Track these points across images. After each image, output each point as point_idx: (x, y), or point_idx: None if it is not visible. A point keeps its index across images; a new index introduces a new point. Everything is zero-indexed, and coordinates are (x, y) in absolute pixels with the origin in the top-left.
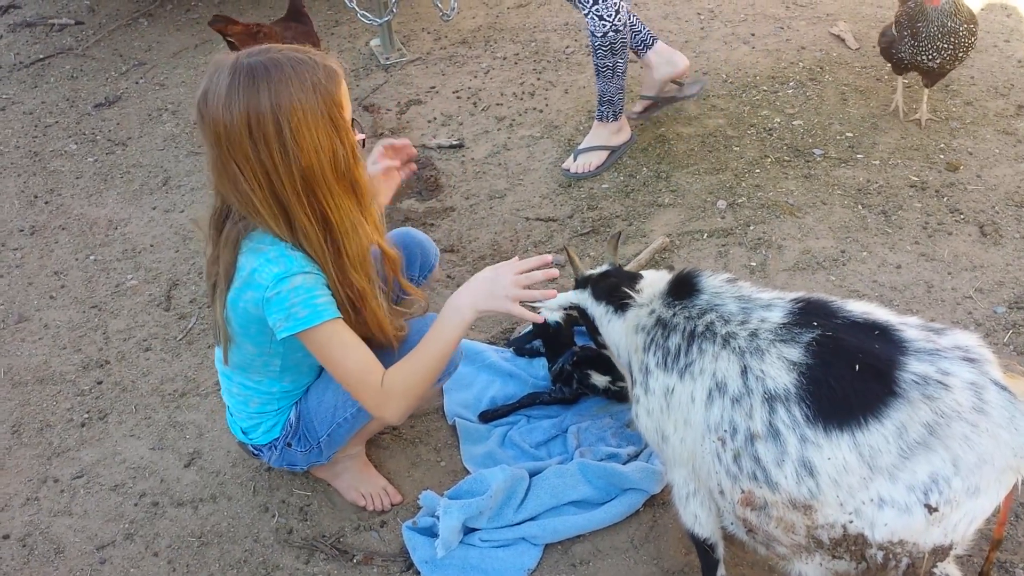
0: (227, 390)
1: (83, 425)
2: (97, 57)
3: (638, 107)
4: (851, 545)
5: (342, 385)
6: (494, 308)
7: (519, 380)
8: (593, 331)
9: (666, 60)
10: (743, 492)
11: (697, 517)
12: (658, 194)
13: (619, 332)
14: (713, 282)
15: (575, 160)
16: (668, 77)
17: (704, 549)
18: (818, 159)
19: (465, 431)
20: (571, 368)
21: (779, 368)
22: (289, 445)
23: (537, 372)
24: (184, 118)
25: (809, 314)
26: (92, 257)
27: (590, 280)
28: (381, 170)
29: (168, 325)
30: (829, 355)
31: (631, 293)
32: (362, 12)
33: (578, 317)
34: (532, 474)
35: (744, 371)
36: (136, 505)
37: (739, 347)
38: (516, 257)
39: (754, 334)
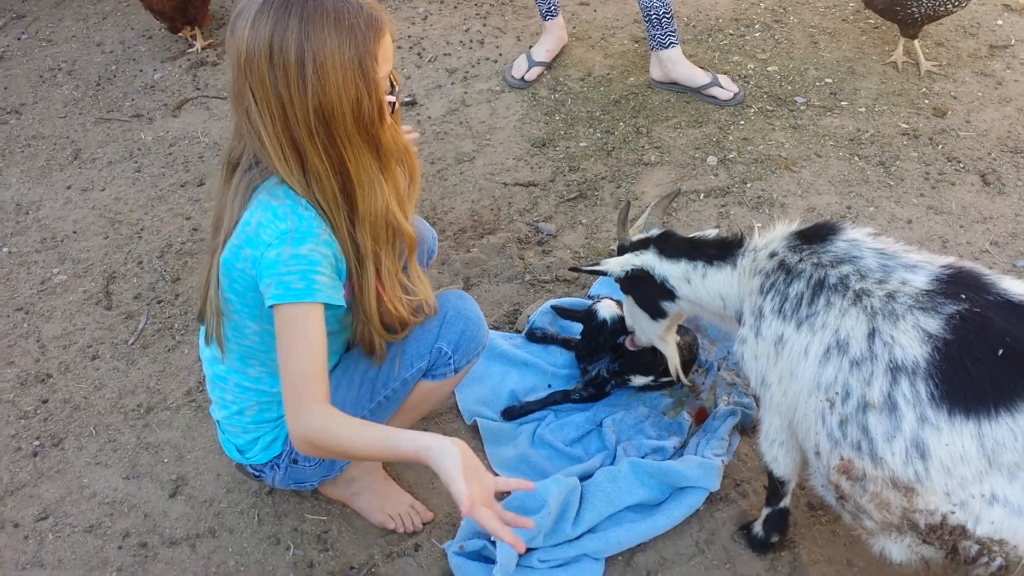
0: (220, 399)
1: (35, 454)
2: None
3: (532, 73)
4: (946, 534)
5: (280, 372)
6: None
7: (536, 369)
8: (656, 296)
9: (563, 31)
10: (842, 459)
11: (777, 459)
12: (641, 151)
13: (722, 283)
14: (853, 233)
15: (723, 87)
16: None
17: (776, 482)
18: (801, 107)
19: (489, 431)
20: (607, 375)
21: (912, 337)
22: (295, 461)
23: (555, 359)
24: (84, 79)
25: (958, 284)
26: (5, 249)
27: (650, 242)
28: None
29: (114, 327)
30: (971, 333)
31: (743, 237)
32: None
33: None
34: (580, 478)
35: (872, 334)
36: (120, 548)
37: (871, 307)
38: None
39: (891, 296)
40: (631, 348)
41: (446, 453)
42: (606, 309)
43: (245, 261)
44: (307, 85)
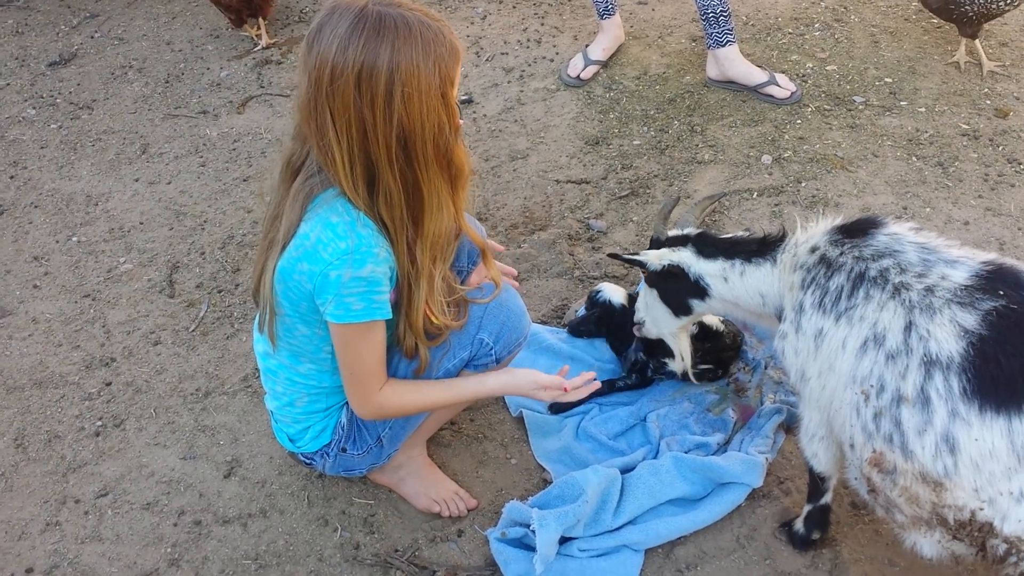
0: (271, 390)
1: (97, 434)
2: (42, 9)
3: (588, 72)
4: (975, 531)
5: (341, 372)
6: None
7: (582, 363)
8: (686, 293)
9: (620, 30)
10: (874, 452)
11: (817, 455)
12: (695, 150)
13: (762, 280)
14: (895, 227)
15: (780, 85)
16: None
17: (816, 478)
18: (860, 107)
19: (534, 423)
20: (645, 357)
21: (948, 332)
22: (344, 450)
23: (601, 354)
24: (153, 76)
25: (997, 281)
26: (75, 238)
27: (688, 240)
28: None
29: (176, 314)
30: (1007, 330)
31: (784, 233)
32: None
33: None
34: (622, 471)
35: (908, 327)
36: (176, 525)
37: (909, 300)
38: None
39: (930, 290)
40: (636, 335)
41: (517, 379)
42: (617, 295)
43: (302, 275)
44: (393, 112)
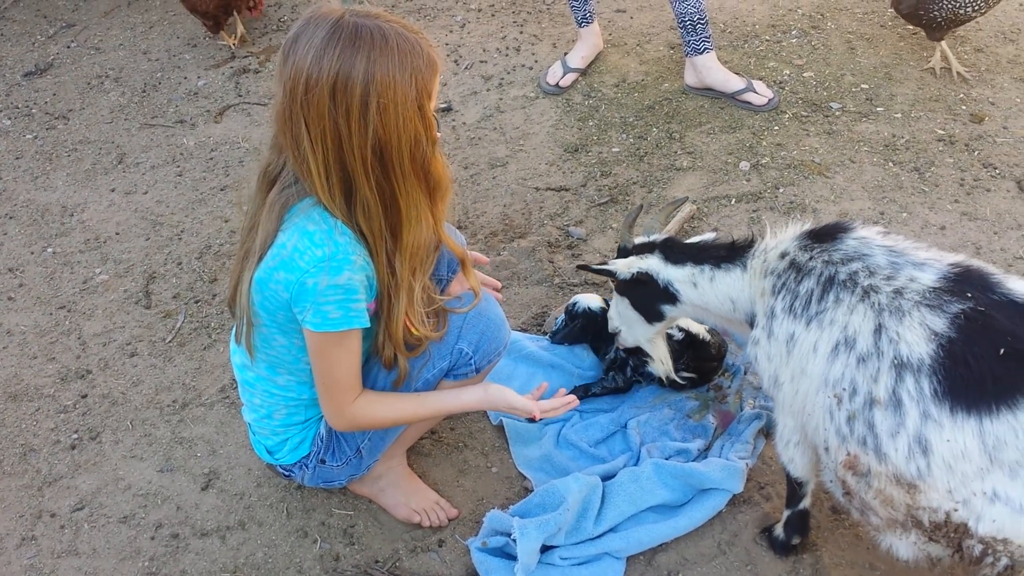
0: (249, 403)
1: (73, 447)
2: (17, 19)
3: (566, 80)
4: (950, 532)
5: (316, 382)
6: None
7: (563, 371)
8: (656, 300)
9: (598, 38)
10: (848, 455)
11: (793, 460)
12: (674, 157)
13: (731, 285)
14: (863, 231)
15: (757, 92)
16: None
17: (794, 483)
18: (837, 113)
19: (514, 431)
20: (625, 355)
21: (918, 335)
22: (323, 461)
23: (581, 361)
24: (130, 85)
25: (964, 283)
26: (50, 249)
27: (655, 246)
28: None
29: (152, 325)
30: (975, 332)
31: (754, 239)
32: None
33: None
34: (603, 479)
35: (878, 330)
36: (153, 539)
37: (878, 303)
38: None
39: (899, 292)
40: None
41: (492, 396)
42: (594, 302)
43: (279, 284)
44: (368, 123)
